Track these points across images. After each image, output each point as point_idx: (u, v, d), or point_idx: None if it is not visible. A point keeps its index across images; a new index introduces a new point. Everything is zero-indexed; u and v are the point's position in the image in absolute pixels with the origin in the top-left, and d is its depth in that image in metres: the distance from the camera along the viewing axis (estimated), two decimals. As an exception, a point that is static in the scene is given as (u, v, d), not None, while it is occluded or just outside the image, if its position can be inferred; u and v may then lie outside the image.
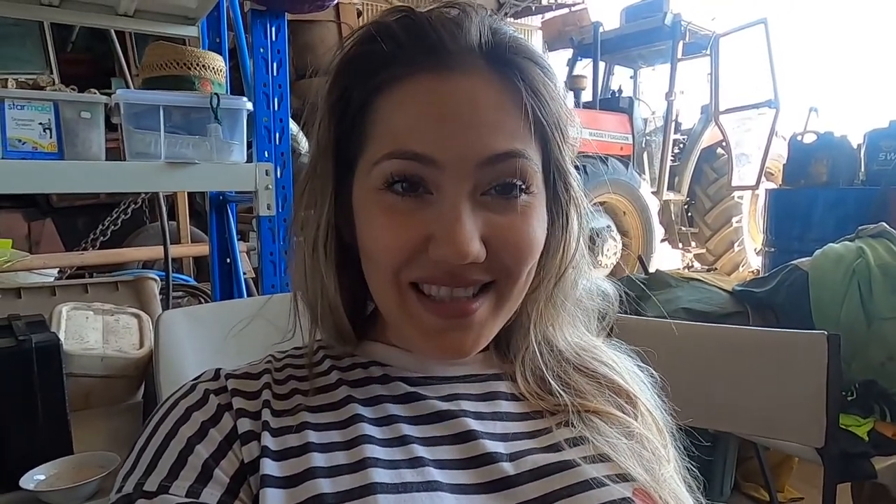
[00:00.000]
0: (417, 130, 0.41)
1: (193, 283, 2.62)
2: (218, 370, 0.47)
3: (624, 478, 0.43)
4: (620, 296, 0.56)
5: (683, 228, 5.81)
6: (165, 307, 1.92)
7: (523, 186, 0.43)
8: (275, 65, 1.33)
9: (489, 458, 0.43)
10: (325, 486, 0.38)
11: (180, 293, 2.27)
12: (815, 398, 1.19)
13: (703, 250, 5.73)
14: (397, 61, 0.42)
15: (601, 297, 0.54)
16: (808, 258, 1.87)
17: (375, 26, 0.43)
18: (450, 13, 0.43)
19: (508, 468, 0.42)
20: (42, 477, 0.96)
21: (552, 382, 0.48)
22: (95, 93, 1.10)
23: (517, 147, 0.42)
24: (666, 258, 5.67)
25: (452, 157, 0.40)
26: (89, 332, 1.40)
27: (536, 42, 6.69)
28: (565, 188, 0.48)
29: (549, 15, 6.61)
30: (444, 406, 0.46)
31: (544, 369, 0.49)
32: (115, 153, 1.16)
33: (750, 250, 5.53)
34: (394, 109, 0.42)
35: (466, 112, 0.41)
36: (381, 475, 0.39)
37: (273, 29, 1.33)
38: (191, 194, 3.54)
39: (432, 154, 0.40)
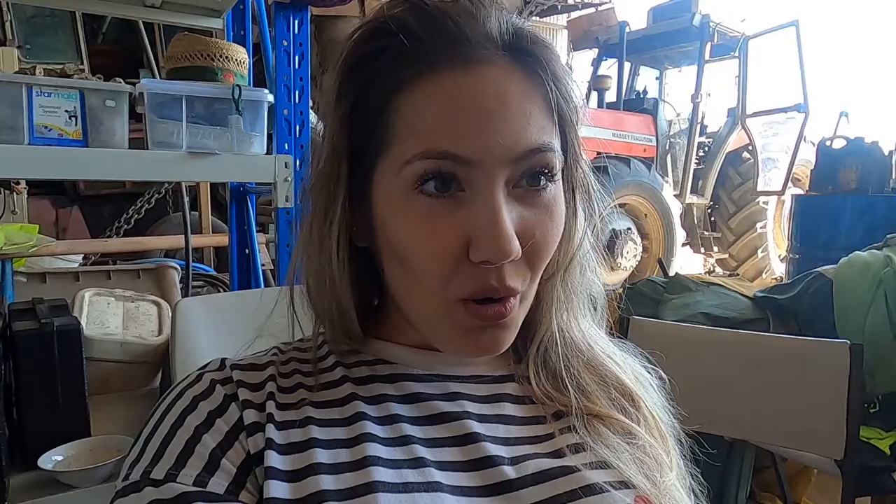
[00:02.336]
0: (448, 129, 0.40)
1: (213, 272, 2.66)
2: (223, 360, 0.47)
3: (625, 485, 0.43)
4: (627, 297, 0.56)
5: (706, 233, 5.73)
6: (185, 296, 1.95)
7: (550, 179, 0.43)
8: (297, 58, 1.34)
9: (490, 462, 0.42)
10: (327, 482, 0.38)
11: (200, 282, 2.30)
12: (835, 409, 1.17)
13: (726, 255, 5.65)
14: (418, 57, 0.41)
15: (598, 289, 0.53)
16: (832, 265, 1.83)
17: (391, 20, 0.42)
18: (463, 3, 0.42)
19: (510, 472, 0.42)
20: (60, 458, 0.98)
21: (563, 376, 0.48)
22: (121, 82, 1.12)
23: (545, 141, 0.41)
24: (687, 262, 5.60)
25: (486, 154, 0.40)
26: (110, 317, 1.43)
27: (562, 41, 6.64)
28: (578, 171, 0.48)
29: (575, 14, 6.55)
30: (447, 407, 0.45)
31: (558, 361, 0.48)
32: (139, 144, 1.17)
33: (774, 257, 5.44)
34: (419, 107, 0.40)
35: (495, 106, 0.40)
36: (382, 474, 0.39)
37: (296, 22, 1.33)
38: (213, 185, 3.59)
39: (466, 153, 0.39)
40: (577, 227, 0.48)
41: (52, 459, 0.97)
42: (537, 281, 0.45)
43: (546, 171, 0.42)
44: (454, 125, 0.40)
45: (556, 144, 0.43)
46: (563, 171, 0.45)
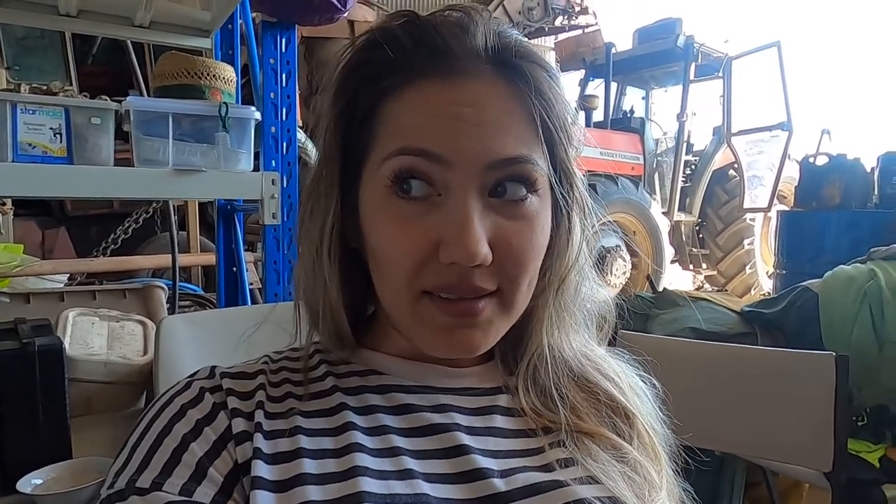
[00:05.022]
0: (426, 129, 0.41)
1: (200, 291, 2.64)
2: (213, 368, 0.46)
3: (614, 501, 0.42)
4: (625, 310, 0.56)
5: (694, 250, 5.78)
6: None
7: (531, 190, 0.43)
8: (284, 76, 1.35)
9: (480, 474, 0.42)
10: (313, 493, 0.38)
11: (187, 302, 2.28)
12: (822, 421, 1.17)
13: (714, 272, 5.68)
14: (404, 67, 0.42)
15: (601, 305, 0.53)
16: (818, 280, 1.85)
17: (380, 32, 0.43)
18: (454, 17, 0.43)
19: (500, 485, 0.41)
20: (39, 481, 0.95)
21: (553, 392, 0.47)
22: (106, 99, 1.12)
23: (525, 153, 0.42)
24: (676, 279, 5.63)
25: (461, 155, 0.40)
26: (94, 337, 1.41)
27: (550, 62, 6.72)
28: (570, 190, 0.47)
29: (562, 36, 6.65)
30: (437, 419, 0.45)
31: (547, 378, 0.48)
32: (126, 165, 1.17)
33: (762, 273, 5.48)
34: (401, 111, 0.42)
35: (474, 115, 0.41)
36: (369, 485, 0.39)
37: (283, 41, 1.35)
38: (202, 205, 3.58)
39: (441, 151, 0.40)
40: (572, 244, 0.48)
41: (31, 483, 0.94)
42: (520, 289, 0.44)
43: (525, 181, 0.42)
44: (431, 126, 0.41)
45: (539, 159, 0.43)
46: (552, 187, 0.45)
